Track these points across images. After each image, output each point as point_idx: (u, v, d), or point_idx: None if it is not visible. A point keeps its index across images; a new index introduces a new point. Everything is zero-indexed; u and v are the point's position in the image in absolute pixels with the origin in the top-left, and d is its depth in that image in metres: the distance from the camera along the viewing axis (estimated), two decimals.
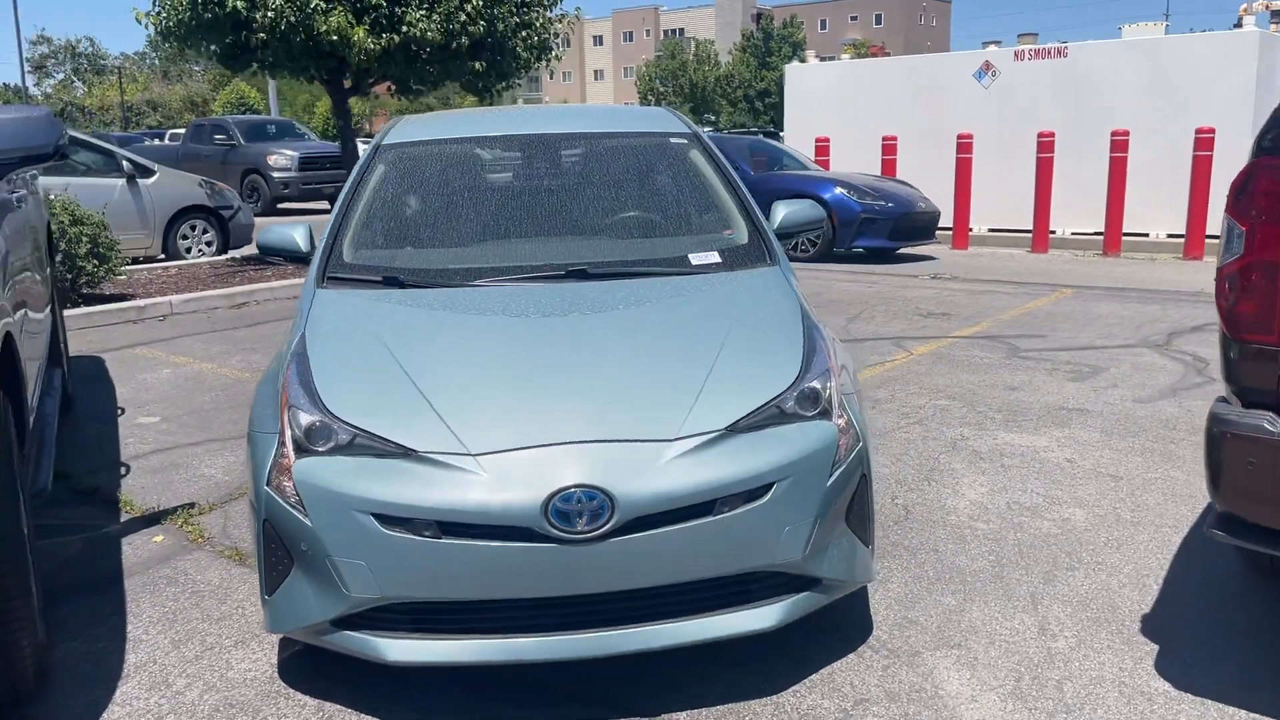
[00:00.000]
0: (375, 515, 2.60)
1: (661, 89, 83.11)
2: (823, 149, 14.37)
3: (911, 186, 12.51)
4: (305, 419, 2.78)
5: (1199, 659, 2.94)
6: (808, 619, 3.13)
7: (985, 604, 3.30)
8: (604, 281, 3.42)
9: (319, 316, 3.26)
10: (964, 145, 13.19)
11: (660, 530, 2.60)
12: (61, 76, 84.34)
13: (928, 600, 3.33)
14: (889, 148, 14.05)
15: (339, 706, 2.81)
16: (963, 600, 3.33)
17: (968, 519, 3.98)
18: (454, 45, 9.98)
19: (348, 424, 2.74)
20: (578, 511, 2.54)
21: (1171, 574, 3.48)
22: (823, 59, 19.27)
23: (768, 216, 3.93)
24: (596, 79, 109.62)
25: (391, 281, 3.44)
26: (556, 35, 11.47)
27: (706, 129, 61.47)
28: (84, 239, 8.32)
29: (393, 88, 11.41)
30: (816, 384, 2.93)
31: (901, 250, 12.36)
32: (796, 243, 11.50)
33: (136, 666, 3.05)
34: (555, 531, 2.54)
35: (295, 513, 2.67)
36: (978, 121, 14.16)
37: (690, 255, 3.59)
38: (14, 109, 3.45)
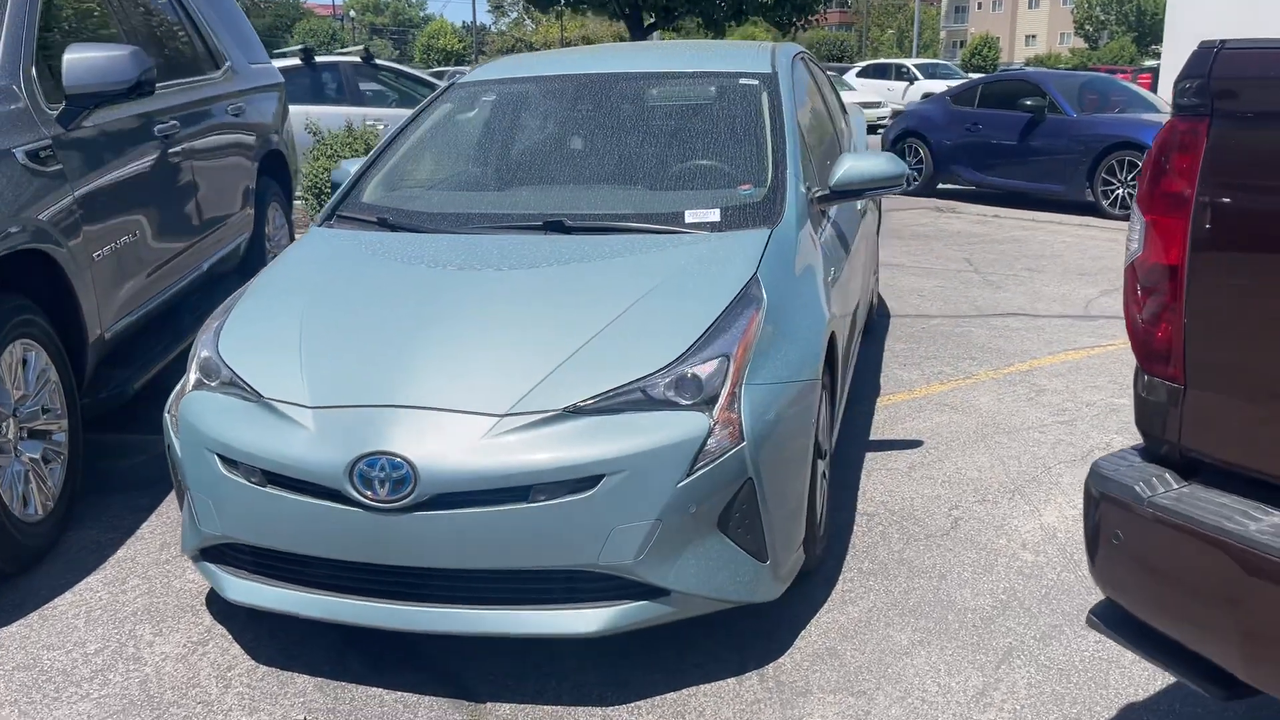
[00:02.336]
0: (219, 455, 2.65)
1: (1103, 17, 75.94)
2: None
3: None
4: (203, 354, 2.89)
5: None
6: (719, 629, 2.82)
7: (941, 650, 2.76)
8: (575, 236, 3.19)
9: (287, 255, 3.35)
10: None
11: (467, 511, 2.43)
12: (515, 15, 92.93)
13: (877, 635, 2.84)
14: None
15: (224, 631, 2.94)
16: (918, 641, 2.80)
17: (1018, 546, 3.33)
18: None
19: (226, 363, 2.80)
20: (380, 479, 2.44)
21: None
22: None
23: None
24: (1031, 7, 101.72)
25: (383, 224, 3.44)
26: None
27: (1152, 61, 54.73)
28: None
29: (699, 24, 11.32)
30: (701, 370, 2.56)
31: None
32: (1114, 198, 10.05)
33: (115, 561, 3.37)
34: (358, 496, 2.45)
35: (175, 443, 2.80)
36: None
37: (687, 212, 3.25)
38: (100, 47, 3.82)
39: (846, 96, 23.97)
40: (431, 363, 2.63)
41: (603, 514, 2.42)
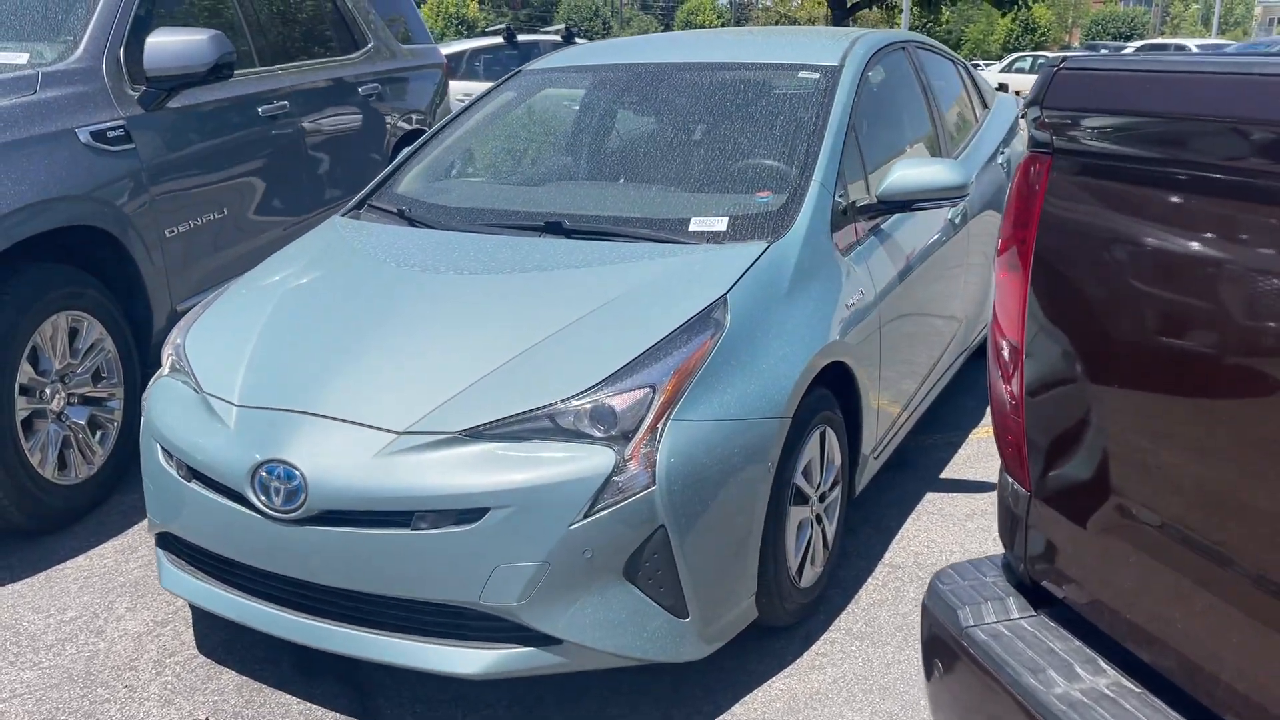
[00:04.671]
0: (160, 445, 2.67)
1: None
2: None
3: None
4: (176, 340, 2.92)
5: None
6: (655, 679, 2.60)
7: None
8: (566, 240, 3.00)
9: (294, 245, 3.35)
10: None
11: (353, 530, 2.32)
12: None
13: (829, 712, 2.50)
14: None
15: (186, 615, 2.97)
16: None
17: None
18: None
19: (185, 352, 2.82)
20: (275, 487, 2.37)
21: None
22: None
23: None
24: None
25: (401, 216, 3.37)
26: None
27: None
28: None
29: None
30: (618, 401, 2.32)
31: None
32: None
33: (137, 529, 3.50)
34: (257, 502, 2.39)
35: (141, 427, 2.85)
36: None
37: (693, 220, 2.98)
38: (182, 31, 3.96)
39: None
40: (354, 369, 2.53)
41: (486, 550, 2.24)
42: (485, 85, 10.69)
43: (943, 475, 3.83)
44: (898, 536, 3.36)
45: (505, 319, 2.61)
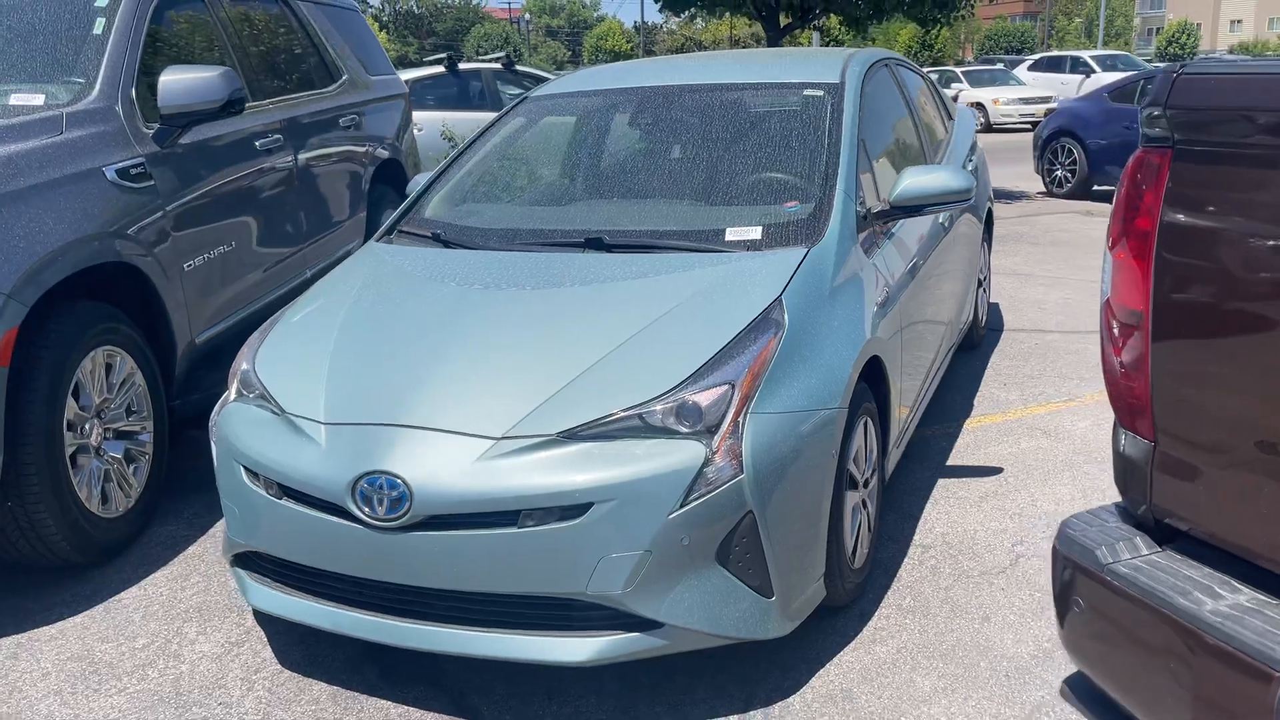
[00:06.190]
0: (244, 466, 2.76)
1: None
2: None
3: None
4: (243, 367, 3.01)
5: None
6: (734, 661, 2.76)
7: (964, 700, 2.59)
8: (611, 254, 3.17)
9: (341, 270, 3.45)
10: None
11: (459, 533, 2.44)
12: (690, 13, 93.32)
13: (900, 679, 2.70)
14: None
15: (260, 634, 3.05)
16: (941, 689, 2.65)
17: None
18: None
19: (259, 377, 2.91)
20: (379, 498, 2.48)
21: None
22: None
23: None
24: None
25: (437, 239, 3.50)
26: None
27: None
28: None
29: (841, 23, 11.05)
30: (702, 398, 2.50)
31: None
32: None
33: (184, 558, 3.55)
34: (359, 513, 2.50)
35: (214, 451, 2.92)
36: None
37: (728, 230, 3.18)
38: (193, 69, 4.03)
39: (1014, 92, 22.94)
40: (440, 382, 2.65)
41: (591, 542, 2.39)
42: (428, 114, 10.75)
43: (949, 463, 4.07)
44: (922, 520, 3.58)
45: (578, 328, 2.77)
